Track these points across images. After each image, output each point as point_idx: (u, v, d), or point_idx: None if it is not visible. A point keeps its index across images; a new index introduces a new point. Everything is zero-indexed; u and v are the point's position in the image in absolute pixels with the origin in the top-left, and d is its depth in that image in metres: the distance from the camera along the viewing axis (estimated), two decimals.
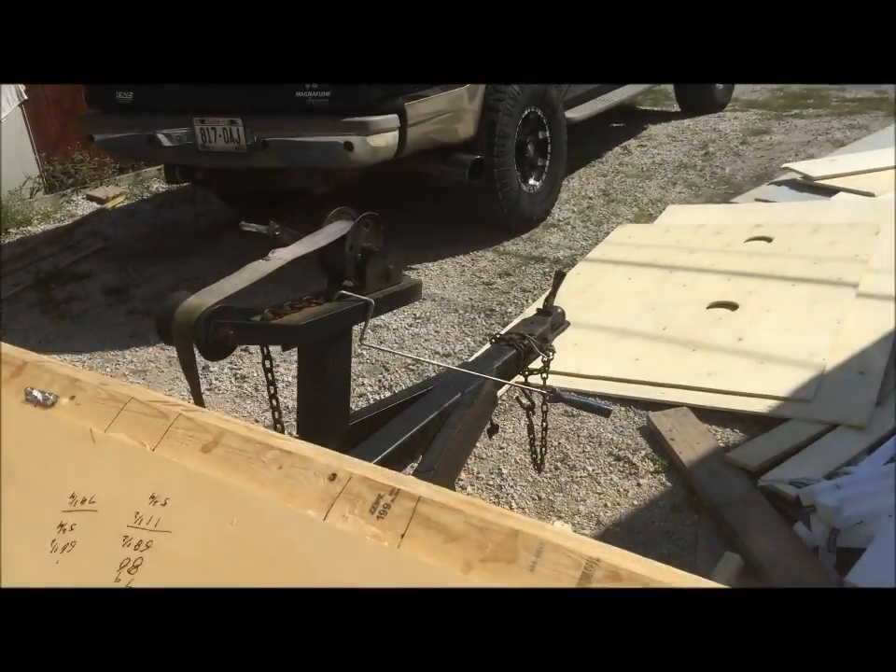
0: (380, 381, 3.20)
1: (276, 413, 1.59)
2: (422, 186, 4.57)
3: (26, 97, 5.91)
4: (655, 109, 7.82)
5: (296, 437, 1.11)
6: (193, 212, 5.29)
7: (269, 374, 1.53)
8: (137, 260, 4.69)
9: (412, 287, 1.73)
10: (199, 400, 1.36)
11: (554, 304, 2.40)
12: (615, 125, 7.02)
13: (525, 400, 2.18)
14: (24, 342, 3.67)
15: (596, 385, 2.99)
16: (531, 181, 4.64)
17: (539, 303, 2.49)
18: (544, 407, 2.17)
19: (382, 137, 3.60)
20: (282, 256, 1.50)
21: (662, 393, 2.88)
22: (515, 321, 3.02)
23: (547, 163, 4.72)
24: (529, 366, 2.18)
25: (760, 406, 2.71)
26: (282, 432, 1.39)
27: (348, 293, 1.54)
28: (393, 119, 3.61)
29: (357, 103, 3.59)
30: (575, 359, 3.14)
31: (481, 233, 4.59)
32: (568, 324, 2.49)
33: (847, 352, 2.94)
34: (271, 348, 1.58)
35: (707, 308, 3.39)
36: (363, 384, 3.19)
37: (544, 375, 2.10)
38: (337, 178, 4.04)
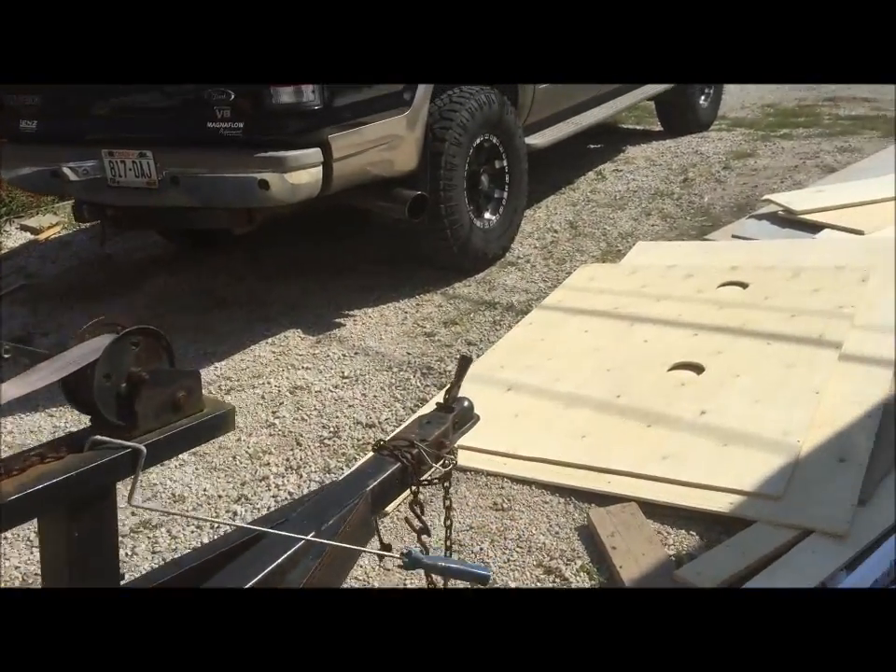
0: (288, 460, 2.77)
1: None
2: (370, 218, 4.15)
3: None
4: (638, 128, 7.41)
5: None
6: (105, 252, 4.86)
7: None
8: (54, 302, 4.27)
9: (217, 417, 1.29)
10: None
11: (459, 396, 1.98)
12: (592, 146, 6.61)
13: (416, 522, 1.75)
14: None
15: (534, 469, 2.56)
16: (486, 215, 4.22)
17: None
18: (447, 523, 1.77)
19: (302, 174, 3.18)
20: (9, 391, 1.07)
21: (608, 482, 2.44)
22: (410, 419, 2.54)
23: (505, 195, 4.30)
24: (429, 475, 1.77)
25: (720, 503, 2.27)
26: None
27: (105, 439, 1.11)
28: (315, 153, 3.19)
29: (274, 135, 3.17)
30: (512, 435, 2.71)
31: (431, 273, 4.17)
32: (477, 418, 2.07)
33: (827, 430, 2.51)
34: None
35: (669, 370, 2.96)
36: (268, 462, 2.76)
37: (446, 502, 1.71)
38: (261, 217, 3.62)
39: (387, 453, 1.74)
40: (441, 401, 1.99)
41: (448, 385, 1.99)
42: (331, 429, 2.91)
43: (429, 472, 1.79)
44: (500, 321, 3.65)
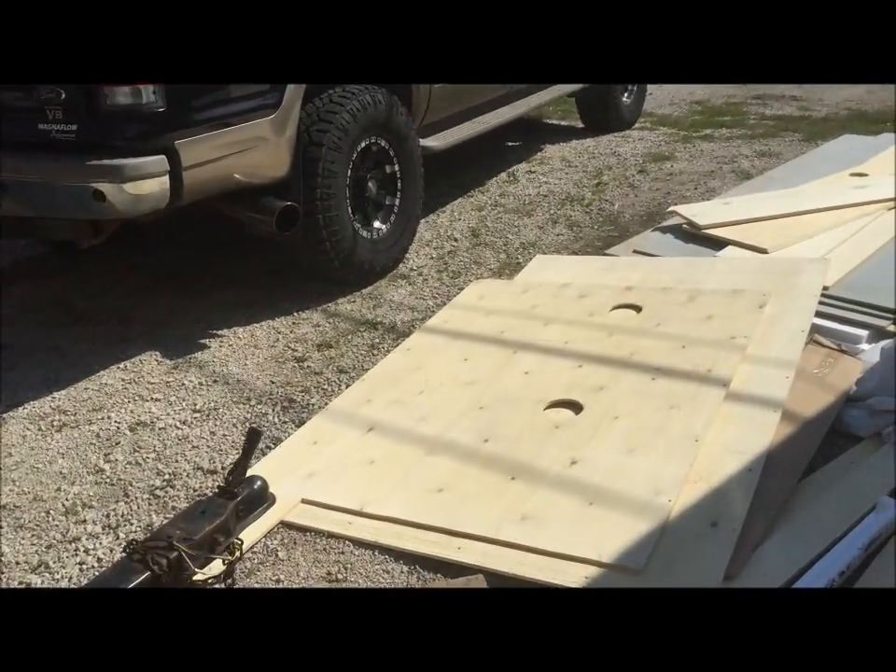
0: (108, 516, 2.43)
1: None
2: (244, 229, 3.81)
3: None
4: (562, 124, 7.16)
5: None
6: None
7: None
8: None
9: None
10: None
11: (250, 476, 1.69)
12: (511, 144, 6.34)
13: None
14: None
15: (380, 531, 2.27)
16: (376, 224, 3.91)
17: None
18: None
19: (144, 184, 2.83)
20: None
21: (458, 549, 2.17)
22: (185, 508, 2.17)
23: (396, 202, 4.00)
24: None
25: (575, 577, 2.02)
26: None
27: None
28: (159, 161, 2.84)
29: (111, 140, 2.82)
30: (363, 488, 2.42)
31: (315, 287, 3.85)
32: (273, 500, 1.78)
33: (703, 486, 2.27)
34: None
35: (546, 409, 2.71)
36: (84, 519, 2.42)
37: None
38: (112, 227, 3.26)
39: (138, 557, 1.45)
40: (224, 484, 1.69)
41: (232, 465, 1.69)
42: (166, 476, 2.58)
43: (206, 569, 1.49)
44: (379, 344, 3.36)
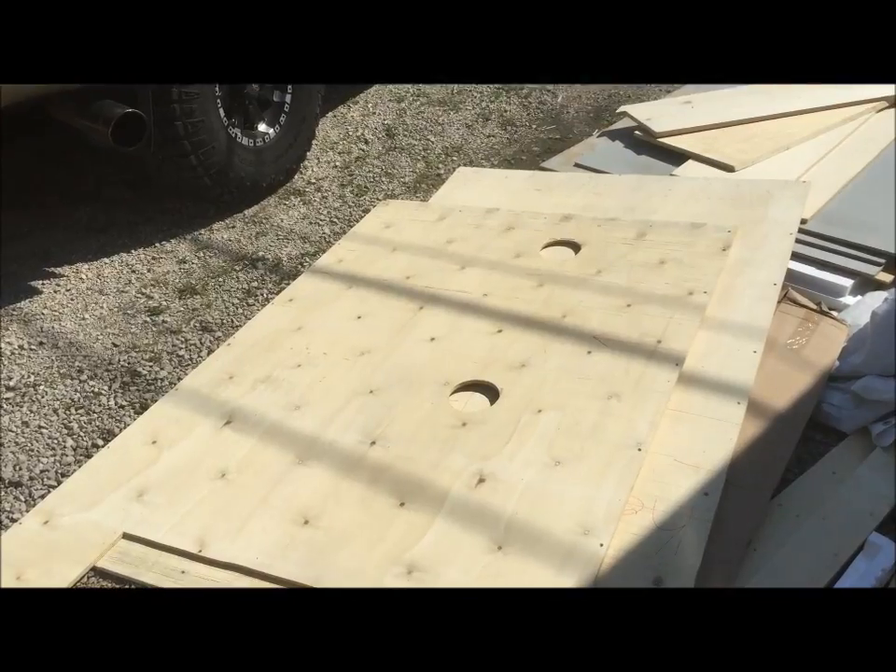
0: None
1: None
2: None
3: None
4: None
5: None
6: None
7: None
8: None
9: None
10: None
11: None
12: None
13: None
14: None
15: (226, 581, 1.72)
16: (261, 128, 3.16)
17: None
18: None
19: None
20: None
21: None
22: None
23: (287, 99, 3.23)
24: None
25: None
26: None
27: None
28: None
29: None
30: (206, 518, 1.85)
31: (188, 206, 3.14)
32: None
33: (644, 520, 1.75)
34: None
35: (452, 394, 2.13)
36: None
37: None
38: None
39: None
40: None
41: None
42: None
43: None
44: (257, 290, 2.71)
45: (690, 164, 3.04)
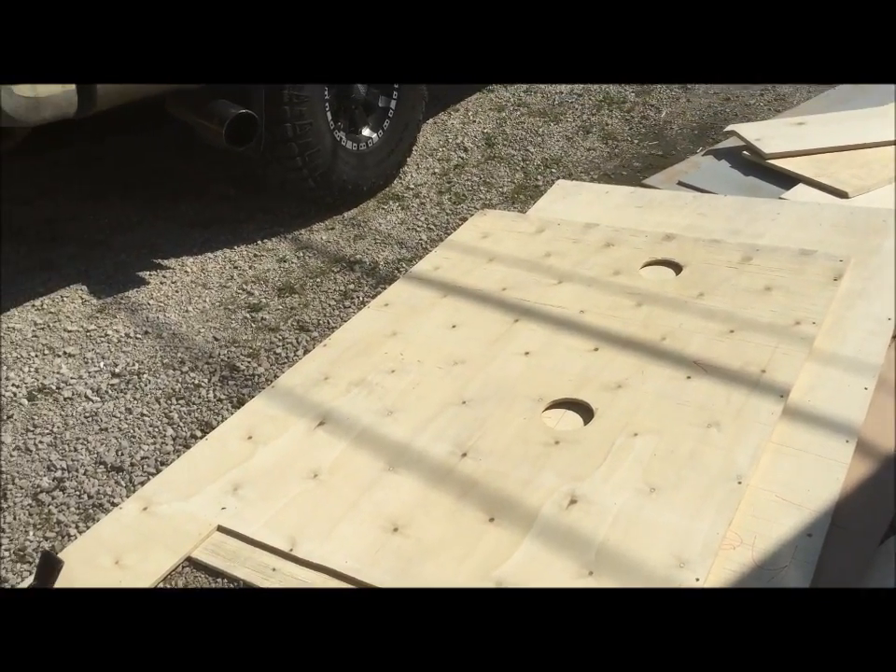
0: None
1: None
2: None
3: None
4: None
5: None
6: None
7: None
8: None
9: None
10: None
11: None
12: None
13: None
14: None
15: (314, 581, 1.74)
16: (365, 132, 3.20)
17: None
18: None
19: (40, 87, 2.17)
20: None
21: None
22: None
23: (392, 104, 3.26)
24: None
25: None
26: None
27: None
28: None
29: None
30: (298, 517, 1.87)
31: (290, 205, 3.20)
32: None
33: (743, 557, 1.69)
34: None
35: (545, 410, 2.11)
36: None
37: None
38: (25, 131, 2.60)
39: None
40: None
41: None
42: (58, 474, 2.05)
43: None
44: (354, 292, 2.74)
45: (800, 188, 2.95)
